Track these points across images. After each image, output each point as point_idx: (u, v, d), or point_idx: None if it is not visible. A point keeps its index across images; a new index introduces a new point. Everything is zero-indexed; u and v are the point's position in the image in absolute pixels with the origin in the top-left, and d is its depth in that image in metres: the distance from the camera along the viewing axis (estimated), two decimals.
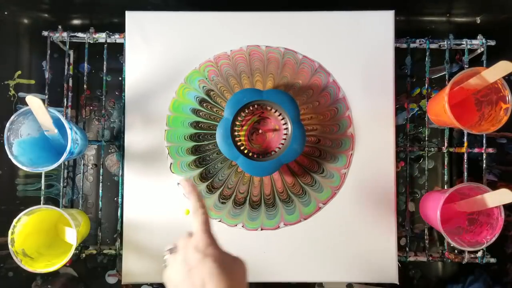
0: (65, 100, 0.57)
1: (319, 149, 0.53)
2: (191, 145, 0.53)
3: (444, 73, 0.57)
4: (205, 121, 0.53)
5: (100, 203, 0.56)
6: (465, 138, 0.55)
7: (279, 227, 0.52)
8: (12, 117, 0.45)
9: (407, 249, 0.55)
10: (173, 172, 0.53)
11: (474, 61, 0.58)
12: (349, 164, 0.52)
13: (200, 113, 0.53)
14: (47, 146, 0.50)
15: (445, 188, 0.57)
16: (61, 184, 0.56)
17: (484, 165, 0.54)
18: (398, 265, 0.52)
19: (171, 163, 0.53)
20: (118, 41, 0.56)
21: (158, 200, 0.52)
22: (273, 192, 0.53)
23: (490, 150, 0.55)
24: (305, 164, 0.53)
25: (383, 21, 0.53)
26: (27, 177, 0.60)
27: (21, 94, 0.60)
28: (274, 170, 0.48)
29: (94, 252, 0.55)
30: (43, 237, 0.51)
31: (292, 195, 0.52)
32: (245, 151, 0.49)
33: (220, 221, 0.52)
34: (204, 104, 0.53)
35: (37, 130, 0.49)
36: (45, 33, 0.56)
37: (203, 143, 0.53)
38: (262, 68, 0.53)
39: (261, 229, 0.52)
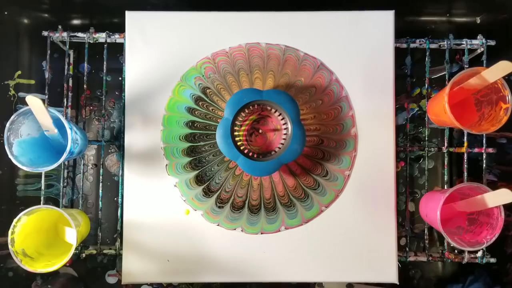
0: (65, 100, 0.57)
1: (322, 150, 0.52)
2: (187, 146, 0.53)
3: (444, 73, 0.57)
4: (201, 120, 0.53)
5: (100, 203, 0.56)
6: (465, 138, 0.55)
7: (279, 230, 0.52)
8: (12, 117, 0.45)
9: (407, 249, 0.55)
10: (169, 174, 0.52)
11: (474, 61, 0.58)
12: (353, 166, 0.52)
13: (196, 112, 0.53)
14: (47, 146, 0.50)
15: (445, 188, 0.57)
16: (61, 184, 0.56)
17: (484, 165, 0.54)
18: (398, 265, 0.52)
19: (166, 165, 0.52)
20: (118, 41, 0.56)
21: (158, 200, 0.52)
22: (273, 196, 0.52)
23: (490, 150, 0.55)
24: (307, 166, 0.52)
25: (383, 21, 0.53)
26: (27, 177, 0.60)
27: (21, 94, 0.60)
28: (274, 170, 0.48)
29: (94, 252, 0.55)
30: (43, 237, 0.51)
31: (294, 199, 0.52)
32: (245, 151, 0.49)
33: (218, 225, 0.52)
34: (200, 103, 0.53)
35: (37, 130, 0.49)
36: (45, 33, 0.56)
37: (199, 144, 0.53)
38: (262, 65, 0.53)
39: (261, 233, 0.52)
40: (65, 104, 0.57)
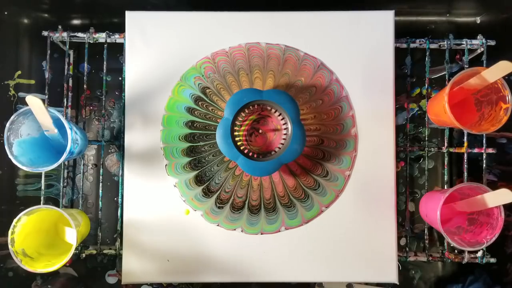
0: (65, 100, 0.57)
1: (322, 150, 0.52)
2: (186, 146, 0.53)
3: (444, 73, 0.57)
4: (200, 120, 0.53)
5: (100, 203, 0.56)
6: (465, 138, 0.55)
7: (279, 231, 0.52)
8: (12, 117, 0.45)
9: (407, 249, 0.55)
10: (168, 175, 0.52)
11: (474, 61, 0.58)
12: (353, 166, 0.52)
13: (196, 112, 0.53)
14: (47, 146, 0.50)
15: (445, 188, 0.57)
16: (61, 184, 0.56)
17: (484, 165, 0.54)
18: (398, 265, 0.52)
19: (166, 165, 0.52)
20: (118, 41, 0.56)
21: (158, 200, 0.52)
22: (273, 197, 0.52)
23: (490, 150, 0.55)
24: (307, 166, 0.52)
25: (383, 21, 0.53)
26: (27, 177, 0.60)
27: (21, 94, 0.60)
28: (274, 170, 0.48)
29: (94, 252, 0.55)
30: (43, 237, 0.51)
31: (294, 199, 0.52)
32: (245, 151, 0.49)
33: (218, 225, 0.52)
34: (200, 103, 0.53)
35: (37, 130, 0.49)
36: (45, 33, 0.56)
37: (198, 144, 0.53)
38: (262, 64, 0.53)
39: (261, 234, 0.52)
40: (65, 104, 0.57)
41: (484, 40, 0.55)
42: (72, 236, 0.47)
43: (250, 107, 0.49)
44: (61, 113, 0.54)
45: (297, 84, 0.53)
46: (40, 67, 0.61)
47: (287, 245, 0.52)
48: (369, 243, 0.52)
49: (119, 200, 0.54)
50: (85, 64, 0.56)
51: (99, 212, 0.56)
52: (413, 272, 0.60)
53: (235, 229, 0.52)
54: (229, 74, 0.53)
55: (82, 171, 0.59)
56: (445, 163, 0.56)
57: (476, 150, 0.55)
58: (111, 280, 0.60)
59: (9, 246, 0.45)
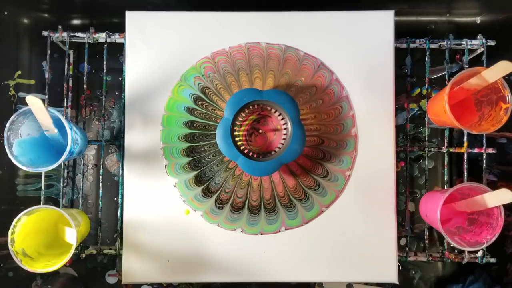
0: (65, 100, 0.57)
1: (322, 150, 0.52)
2: (186, 146, 0.53)
3: (444, 73, 0.57)
4: (200, 120, 0.53)
5: (100, 203, 0.56)
6: (465, 138, 0.55)
7: (279, 231, 0.52)
8: (12, 117, 0.45)
9: (407, 249, 0.55)
10: (168, 175, 0.52)
11: (474, 61, 0.58)
12: (353, 166, 0.52)
13: (195, 112, 0.53)
14: (47, 146, 0.50)
15: (445, 188, 0.57)
16: (61, 184, 0.56)
17: (484, 165, 0.54)
18: (398, 265, 0.52)
19: (165, 165, 0.52)
20: (118, 41, 0.56)
21: (158, 201, 0.52)
22: (273, 197, 0.52)
23: (490, 150, 0.55)
24: (307, 166, 0.52)
25: (383, 21, 0.53)
26: (27, 177, 0.60)
27: (21, 94, 0.60)
28: (274, 170, 0.48)
29: (94, 252, 0.55)
30: (43, 237, 0.51)
31: (294, 199, 0.52)
32: (245, 151, 0.49)
33: (217, 225, 0.52)
34: (200, 103, 0.53)
35: (37, 130, 0.49)
36: (45, 33, 0.56)
37: (198, 144, 0.53)
38: (262, 64, 0.53)
39: (261, 234, 0.52)
40: (65, 104, 0.57)
41: (484, 40, 0.55)
42: (72, 236, 0.47)
43: (250, 107, 0.49)
44: (61, 113, 0.54)
45: (297, 84, 0.53)
46: (40, 67, 0.61)
47: (287, 245, 0.52)
48: (369, 243, 0.52)
49: (119, 200, 0.54)
50: (85, 64, 0.56)
51: (99, 212, 0.56)
52: (413, 272, 0.60)
53: (235, 230, 0.52)
54: (229, 74, 0.53)
55: (82, 171, 0.59)
56: (445, 163, 0.56)
57: (476, 150, 0.55)
58: (111, 280, 0.60)
59: (9, 246, 0.45)
